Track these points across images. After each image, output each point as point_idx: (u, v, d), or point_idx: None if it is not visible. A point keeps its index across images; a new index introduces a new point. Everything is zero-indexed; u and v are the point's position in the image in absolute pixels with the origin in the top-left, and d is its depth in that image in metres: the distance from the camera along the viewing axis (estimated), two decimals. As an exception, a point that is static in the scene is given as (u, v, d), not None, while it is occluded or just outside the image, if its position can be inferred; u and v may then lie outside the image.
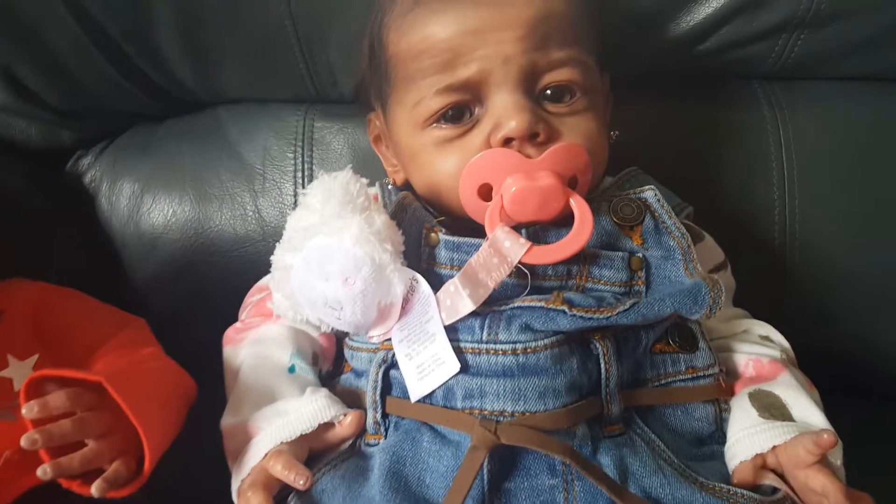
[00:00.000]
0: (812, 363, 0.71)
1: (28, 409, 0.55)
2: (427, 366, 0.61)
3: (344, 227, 0.61)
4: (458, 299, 0.61)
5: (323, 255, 0.61)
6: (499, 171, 0.63)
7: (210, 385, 0.72)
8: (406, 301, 0.64)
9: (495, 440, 0.57)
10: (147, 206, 0.99)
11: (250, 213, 0.97)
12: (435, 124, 0.68)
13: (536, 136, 0.64)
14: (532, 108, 0.65)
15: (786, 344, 0.73)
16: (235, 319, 0.81)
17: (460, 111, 0.67)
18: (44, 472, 0.55)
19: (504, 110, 0.64)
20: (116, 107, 0.99)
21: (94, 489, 0.55)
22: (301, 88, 0.96)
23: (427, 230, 0.67)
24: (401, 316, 0.64)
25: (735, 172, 0.90)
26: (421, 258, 0.67)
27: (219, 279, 0.96)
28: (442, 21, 0.65)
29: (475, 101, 0.67)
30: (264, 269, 0.87)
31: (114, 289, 0.94)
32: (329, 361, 0.76)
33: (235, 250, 0.97)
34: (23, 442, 0.54)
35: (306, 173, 0.97)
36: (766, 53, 0.87)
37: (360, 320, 0.63)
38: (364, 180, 0.64)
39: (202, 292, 0.97)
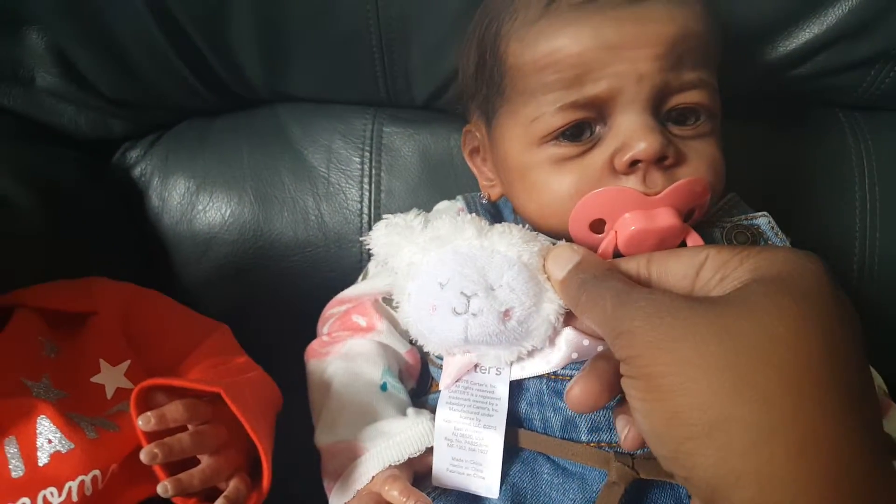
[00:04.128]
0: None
1: (145, 421, 0.50)
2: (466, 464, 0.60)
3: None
4: None
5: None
6: (616, 209, 0.59)
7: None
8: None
9: (634, 475, 0.54)
10: (203, 204, 0.94)
11: (312, 217, 0.93)
12: (553, 141, 0.62)
13: (664, 160, 0.59)
14: (661, 130, 0.60)
15: (879, 378, 0.71)
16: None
17: (580, 129, 0.62)
18: (164, 489, 0.50)
19: (633, 131, 0.59)
20: (173, 99, 0.94)
21: None
22: (372, 91, 0.92)
23: None
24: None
25: (817, 201, 0.88)
26: None
27: (277, 284, 0.92)
28: (575, 34, 0.60)
29: (598, 120, 0.61)
30: (324, 275, 0.84)
31: (164, 290, 0.90)
32: (414, 379, 0.73)
33: (296, 255, 0.93)
34: (143, 457, 0.50)
35: (374, 179, 0.93)
36: (857, 83, 0.86)
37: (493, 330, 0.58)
38: None
39: (259, 296, 0.92)
